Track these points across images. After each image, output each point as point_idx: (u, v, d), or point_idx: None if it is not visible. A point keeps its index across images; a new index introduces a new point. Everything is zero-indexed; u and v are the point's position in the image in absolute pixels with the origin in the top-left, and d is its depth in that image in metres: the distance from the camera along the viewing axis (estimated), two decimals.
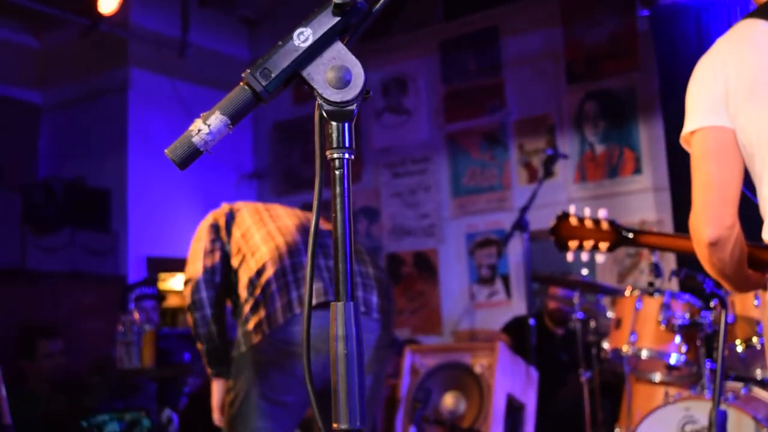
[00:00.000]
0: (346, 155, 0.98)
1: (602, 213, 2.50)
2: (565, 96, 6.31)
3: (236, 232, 2.88)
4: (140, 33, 6.98)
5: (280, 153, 7.82)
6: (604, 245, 2.44)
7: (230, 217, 2.94)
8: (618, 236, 2.41)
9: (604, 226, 2.45)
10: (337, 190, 0.97)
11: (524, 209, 4.90)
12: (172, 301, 7.92)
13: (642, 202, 5.95)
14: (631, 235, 2.41)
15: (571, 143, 6.24)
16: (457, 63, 6.89)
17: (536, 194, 5.03)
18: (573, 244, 2.47)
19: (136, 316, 4.53)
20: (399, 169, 7.08)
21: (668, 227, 5.71)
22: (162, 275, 7.44)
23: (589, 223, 2.47)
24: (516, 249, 6.14)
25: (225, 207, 2.99)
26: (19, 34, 7.21)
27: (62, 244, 6.23)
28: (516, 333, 5.33)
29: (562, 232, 2.48)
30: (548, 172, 5.53)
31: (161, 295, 5.54)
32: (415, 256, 6.95)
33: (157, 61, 7.06)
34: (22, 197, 6.09)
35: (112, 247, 6.63)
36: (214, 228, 2.91)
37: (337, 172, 0.98)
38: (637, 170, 5.99)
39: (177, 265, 7.30)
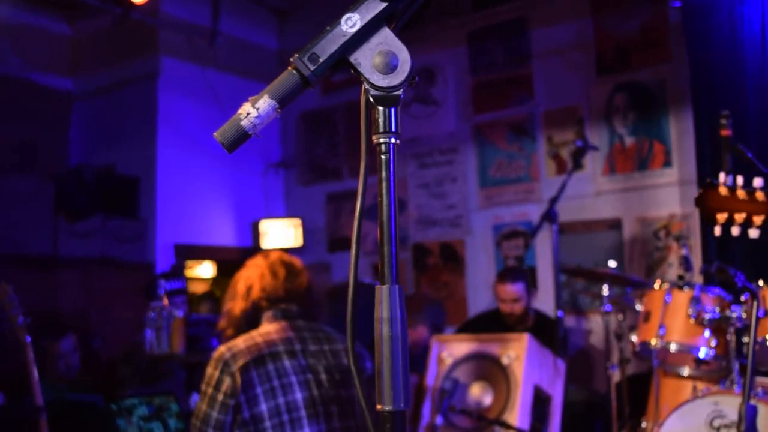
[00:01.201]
0: (392, 140, 0.99)
1: (758, 181, 2.23)
2: (594, 87, 6.27)
3: None
4: (171, 21, 7.02)
5: (306, 143, 7.84)
6: (758, 218, 2.18)
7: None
8: None
9: (760, 196, 2.18)
10: (383, 174, 0.98)
11: (553, 200, 4.88)
12: (197, 288, 8.00)
13: (671, 196, 5.91)
14: None
15: (600, 135, 6.21)
16: (486, 54, 6.87)
17: (566, 185, 5.00)
18: (721, 216, 2.20)
19: (166, 302, 4.57)
20: (426, 159, 7.08)
21: (696, 221, 5.67)
22: (189, 263, 7.51)
23: (741, 193, 2.20)
24: (543, 241, 6.13)
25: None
26: (53, 22, 7.29)
27: (93, 231, 6.30)
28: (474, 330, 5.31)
29: (709, 202, 2.21)
30: (577, 164, 5.50)
31: (187, 292, 5.56)
32: (442, 247, 6.96)
33: (187, 50, 7.11)
34: (55, 185, 6.17)
35: (140, 233, 6.70)
36: None
37: (383, 157, 0.99)
38: (667, 163, 5.94)
39: (203, 252, 7.39)
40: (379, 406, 0.92)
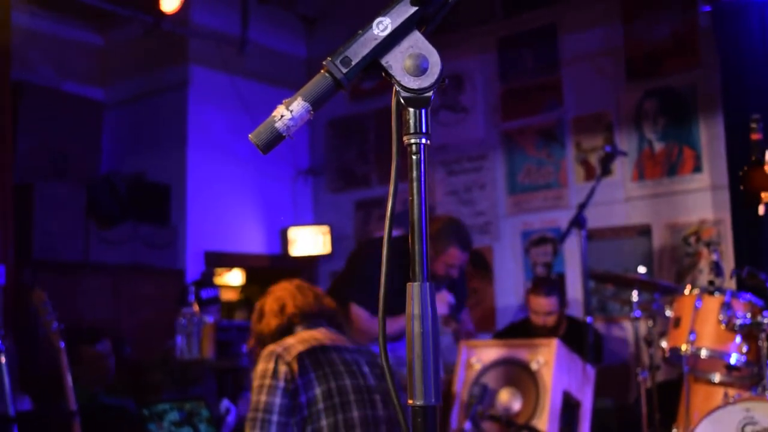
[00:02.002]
0: (423, 140, 1.01)
1: None
2: (624, 93, 6.25)
3: None
4: (200, 30, 7.10)
5: (335, 150, 7.89)
6: None
7: None
8: None
9: None
10: (414, 174, 1.00)
11: (582, 206, 4.87)
12: (227, 296, 8.06)
13: (701, 201, 5.87)
14: None
15: (630, 141, 6.19)
16: (515, 60, 6.87)
17: (594, 191, 4.99)
18: (766, 195, 2.14)
19: (196, 308, 4.62)
20: (454, 166, 7.09)
21: (728, 227, 5.62)
22: (218, 270, 7.57)
23: None
24: (572, 247, 6.11)
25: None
26: (85, 32, 7.40)
27: (124, 238, 6.38)
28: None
29: (753, 181, 2.16)
30: (606, 170, 5.48)
31: (219, 301, 5.61)
32: (471, 254, 6.95)
33: (216, 58, 7.18)
34: (87, 192, 6.25)
35: (171, 241, 6.76)
36: None
37: (414, 157, 1.01)
38: (697, 168, 5.91)
39: (233, 259, 7.45)
40: (410, 401, 0.94)
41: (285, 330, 3.04)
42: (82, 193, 6.22)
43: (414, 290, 0.95)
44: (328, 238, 7.61)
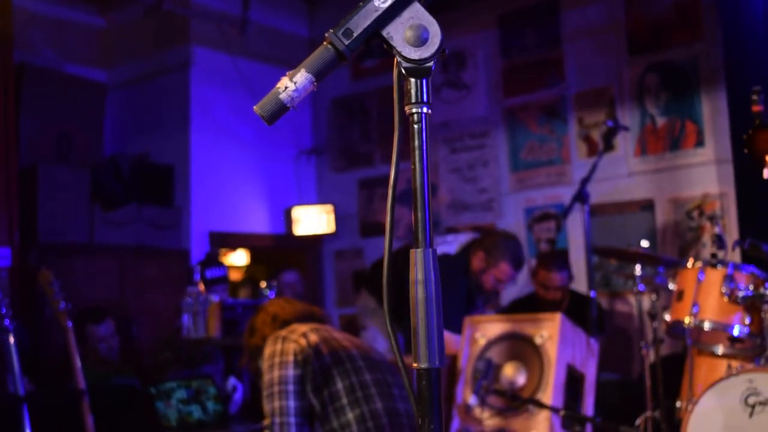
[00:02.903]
0: (424, 109, 1.03)
1: None
2: (626, 68, 6.24)
3: None
4: (202, 11, 7.09)
5: (338, 129, 7.89)
6: None
7: None
8: None
9: None
10: (416, 143, 1.02)
11: (585, 180, 4.88)
12: (232, 276, 8.09)
13: (704, 175, 5.88)
14: None
15: (632, 116, 6.18)
16: (516, 37, 6.86)
17: (597, 166, 5.00)
18: None
19: (202, 287, 4.65)
20: (457, 144, 7.10)
21: (732, 200, 5.63)
22: (223, 250, 7.60)
23: None
24: (575, 223, 6.12)
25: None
26: (87, 14, 7.39)
27: (128, 219, 6.40)
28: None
29: (758, 144, 2.08)
30: (608, 145, 5.49)
31: (228, 281, 5.64)
32: (474, 231, 6.97)
33: (218, 39, 7.18)
34: (91, 174, 6.27)
35: (175, 221, 6.79)
36: None
37: (415, 126, 1.03)
38: (699, 143, 5.91)
39: (237, 239, 7.48)
40: (414, 364, 0.96)
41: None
42: (86, 176, 6.24)
43: (417, 256, 0.98)
44: (332, 217, 7.64)
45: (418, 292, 0.96)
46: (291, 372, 2.83)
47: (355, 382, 2.88)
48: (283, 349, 2.87)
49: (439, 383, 0.95)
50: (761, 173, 2.12)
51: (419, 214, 0.99)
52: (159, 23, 7.08)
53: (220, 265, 5.06)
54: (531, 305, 5.46)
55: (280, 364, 2.85)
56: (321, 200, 7.89)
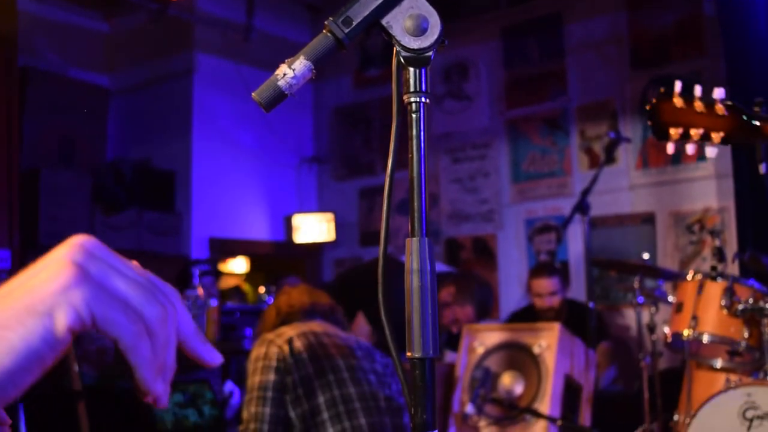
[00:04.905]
0: (423, 99, 1.03)
1: (719, 92, 1.96)
2: (628, 81, 6.25)
3: None
4: (206, 17, 7.12)
5: (340, 138, 7.90)
6: (717, 135, 1.91)
7: None
8: (738, 123, 1.88)
9: (720, 109, 1.91)
10: (413, 132, 1.02)
11: (585, 191, 4.88)
12: (229, 282, 8.08)
13: (705, 189, 5.88)
14: (758, 123, 1.87)
15: (634, 129, 6.19)
16: (520, 49, 6.87)
17: (598, 177, 5.00)
18: (675, 132, 1.93)
19: (200, 291, 4.64)
20: (459, 154, 7.10)
21: (732, 215, 5.63)
22: (222, 257, 7.60)
23: (699, 105, 1.92)
24: (575, 235, 6.12)
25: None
26: (91, 19, 7.41)
27: (129, 224, 6.40)
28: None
29: (662, 115, 1.94)
30: (610, 157, 5.49)
31: (218, 272, 5.63)
32: (474, 242, 6.97)
33: (221, 46, 7.20)
34: (92, 178, 6.27)
35: (176, 227, 6.79)
36: None
37: (413, 116, 1.03)
38: (701, 157, 5.86)
39: (237, 246, 7.47)
40: (408, 354, 0.96)
41: (279, 327, 3.11)
42: (87, 179, 6.25)
43: (413, 245, 0.98)
44: (332, 226, 7.64)
45: (413, 281, 0.95)
46: (272, 378, 2.79)
47: (337, 395, 2.80)
48: (267, 354, 2.83)
49: (432, 373, 0.95)
50: (666, 147, 1.97)
51: (416, 203, 0.99)
52: (163, 29, 7.10)
53: (211, 264, 5.06)
54: (528, 316, 5.46)
55: (262, 369, 2.82)
56: (321, 208, 7.89)
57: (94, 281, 0.62)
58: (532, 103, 6.76)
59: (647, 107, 1.93)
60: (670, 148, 1.96)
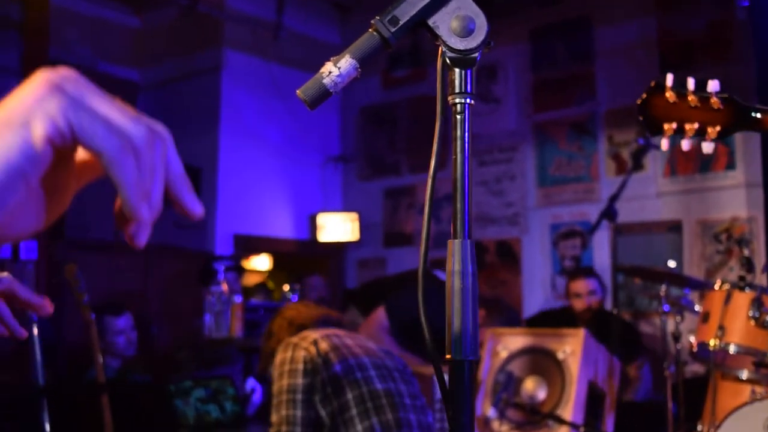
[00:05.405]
0: (468, 100, 1.02)
1: (713, 85, 1.86)
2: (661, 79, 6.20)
3: None
4: (236, 15, 7.14)
5: (366, 137, 7.90)
6: (713, 130, 1.82)
7: None
8: (735, 117, 1.81)
9: (715, 103, 1.82)
10: (458, 133, 1.02)
11: (613, 197, 4.84)
12: (253, 280, 8.11)
13: (734, 198, 5.82)
14: (758, 115, 1.79)
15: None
16: (548, 52, 6.84)
17: (626, 184, 4.96)
18: (669, 127, 1.85)
19: (225, 287, 4.66)
20: (485, 157, 7.08)
21: (761, 225, 5.57)
22: (246, 253, 7.62)
23: (693, 99, 1.83)
24: (601, 241, 6.09)
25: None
26: (122, 14, 7.47)
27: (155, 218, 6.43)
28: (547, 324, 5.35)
29: (654, 110, 1.88)
30: (638, 164, 5.45)
31: (242, 269, 5.65)
32: (498, 245, 6.95)
33: (251, 43, 7.22)
34: None
35: (201, 223, 6.82)
36: None
37: (458, 117, 1.02)
38: (730, 165, 5.85)
39: (261, 243, 7.49)
40: (448, 356, 0.96)
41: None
42: None
43: (455, 247, 0.97)
44: (356, 225, 7.64)
45: (454, 282, 0.95)
46: (300, 381, 2.80)
47: (365, 392, 2.83)
48: (293, 357, 2.85)
49: (472, 376, 0.94)
50: (660, 143, 1.88)
51: (458, 205, 0.99)
52: (193, 25, 7.14)
53: (235, 260, 5.07)
54: (564, 318, 5.44)
55: (289, 373, 2.83)
56: (346, 208, 7.89)
57: (69, 95, 0.59)
58: (559, 107, 6.72)
59: (638, 102, 1.87)
60: (664, 144, 1.86)
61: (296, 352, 2.86)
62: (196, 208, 0.66)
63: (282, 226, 7.51)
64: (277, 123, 7.32)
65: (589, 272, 5.56)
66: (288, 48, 7.40)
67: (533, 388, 3.83)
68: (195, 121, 7.23)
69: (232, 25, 7.14)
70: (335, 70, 0.99)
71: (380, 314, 4.28)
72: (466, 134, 1.01)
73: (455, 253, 0.95)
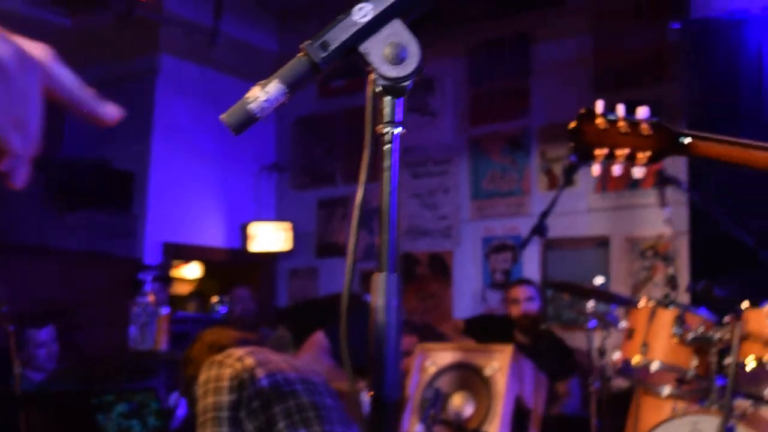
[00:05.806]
0: (397, 130, 1.01)
1: (643, 111, 1.88)
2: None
3: None
4: (173, 19, 7.03)
5: (302, 147, 7.85)
6: (643, 155, 1.84)
7: None
8: (665, 142, 1.82)
9: (645, 129, 1.84)
10: (386, 163, 1.00)
11: (544, 214, 4.89)
12: (181, 289, 7.97)
13: (660, 216, 5.93)
14: (686, 141, 1.80)
15: None
16: (486, 67, 6.90)
17: (557, 200, 5.01)
18: (600, 152, 1.86)
19: (151, 298, 4.57)
20: (419, 169, 7.10)
21: (684, 243, 5.70)
22: (175, 262, 7.50)
23: (623, 126, 1.86)
24: (531, 256, 6.15)
25: None
26: (54, 15, 7.28)
27: (82, 224, 6.28)
28: (480, 330, 5.39)
29: (585, 136, 1.88)
30: (569, 180, 5.52)
31: (169, 278, 5.56)
32: (431, 257, 6.97)
33: (187, 48, 7.12)
34: (47, 176, 6.15)
35: (130, 229, 6.68)
36: None
37: (386, 147, 1.00)
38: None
39: (191, 251, 7.38)
40: (370, 393, 0.93)
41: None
42: (41, 177, 6.12)
43: (380, 281, 0.95)
44: (289, 235, 7.58)
45: (377, 318, 0.93)
46: (225, 398, 2.76)
47: (292, 405, 2.81)
48: (218, 375, 2.81)
49: (393, 413, 0.92)
50: (589, 168, 1.89)
51: (385, 237, 0.97)
52: (129, 29, 7.00)
53: (163, 269, 4.98)
54: (502, 322, 5.47)
55: (214, 390, 2.79)
56: (279, 217, 7.82)
57: None
58: (495, 121, 6.78)
59: (569, 127, 1.87)
60: (596, 169, 1.88)
61: (221, 370, 2.81)
62: (108, 111, 0.60)
63: (213, 235, 7.40)
64: (211, 130, 7.22)
65: (527, 281, 5.61)
66: (225, 54, 7.32)
67: (460, 404, 3.84)
68: (128, 126, 7.06)
69: (168, 30, 7.03)
70: (262, 95, 0.97)
71: (320, 336, 4.26)
72: (395, 165, 0.99)
73: (380, 288, 0.93)
